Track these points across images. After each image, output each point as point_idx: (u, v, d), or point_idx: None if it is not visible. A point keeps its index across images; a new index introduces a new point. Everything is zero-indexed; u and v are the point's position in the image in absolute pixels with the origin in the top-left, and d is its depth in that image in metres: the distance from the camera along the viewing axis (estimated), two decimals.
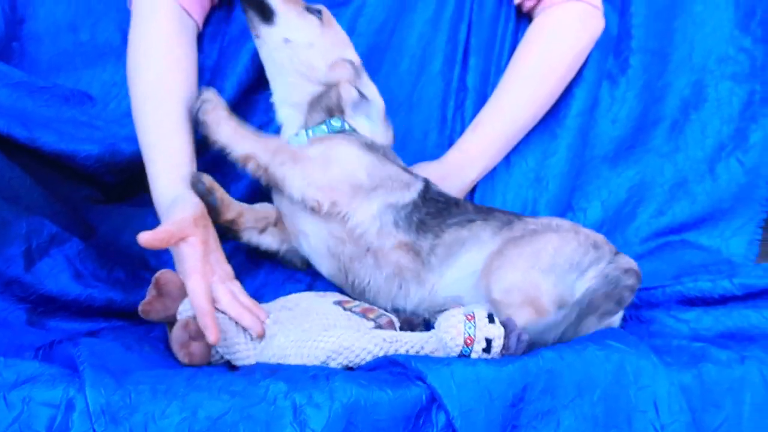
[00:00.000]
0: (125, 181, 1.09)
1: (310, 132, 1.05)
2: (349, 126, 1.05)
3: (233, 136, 0.98)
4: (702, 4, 1.26)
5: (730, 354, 0.77)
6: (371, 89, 1.07)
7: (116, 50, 1.14)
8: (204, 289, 0.86)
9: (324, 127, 1.04)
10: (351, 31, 1.22)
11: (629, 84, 1.25)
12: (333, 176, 0.99)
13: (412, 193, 1.02)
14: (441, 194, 1.06)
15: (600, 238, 1.00)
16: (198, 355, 0.87)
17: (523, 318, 0.87)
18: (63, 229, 1.00)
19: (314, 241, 1.02)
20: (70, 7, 1.15)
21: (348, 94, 1.05)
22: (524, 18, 1.28)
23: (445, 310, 0.97)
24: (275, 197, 1.06)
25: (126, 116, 1.10)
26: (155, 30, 1.04)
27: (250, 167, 0.98)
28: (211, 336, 0.83)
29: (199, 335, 0.86)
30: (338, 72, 1.05)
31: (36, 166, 1.00)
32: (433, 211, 1.02)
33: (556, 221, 1.04)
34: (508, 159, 1.24)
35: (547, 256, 0.95)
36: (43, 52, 1.13)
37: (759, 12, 1.22)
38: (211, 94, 1.00)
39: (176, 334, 0.87)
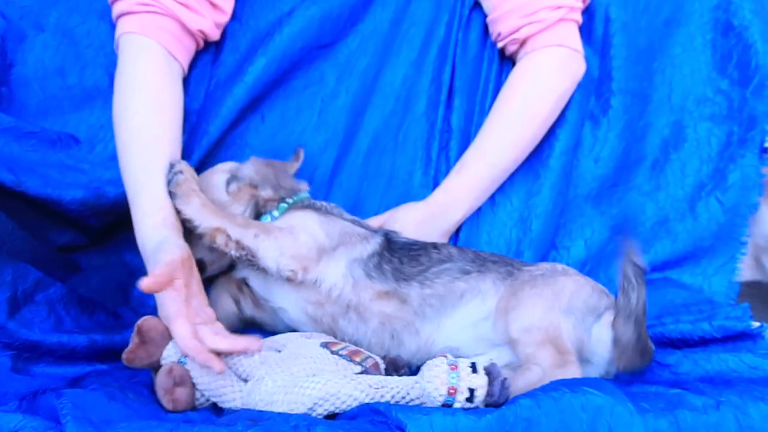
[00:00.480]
0: (109, 224, 1.10)
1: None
2: (285, 203, 1.08)
3: (202, 210, 0.99)
4: (680, 47, 1.28)
5: (705, 400, 0.78)
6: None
7: (103, 93, 1.16)
8: (189, 330, 0.87)
9: (267, 217, 1.07)
10: (336, 74, 1.25)
11: (610, 124, 1.27)
12: (302, 243, 1.00)
13: (372, 245, 1.04)
14: (413, 242, 1.07)
15: (602, 287, 1.03)
16: (182, 401, 0.87)
17: (543, 357, 0.89)
18: (46, 274, 1.00)
19: (293, 313, 1.04)
20: (58, 52, 1.16)
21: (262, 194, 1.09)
22: (507, 59, 1.30)
23: None
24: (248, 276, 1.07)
25: (112, 159, 1.11)
26: (140, 73, 1.06)
27: (219, 241, 0.98)
28: (217, 366, 0.85)
29: (182, 381, 0.87)
30: (241, 196, 1.08)
31: (21, 211, 1.01)
32: (407, 258, 1.04)
33: (560, 266, 1.06)
34: (492, 199, 1.26)
35: (566, 298, 0.96)
36: (31, 97, 1.14)
37: (735, 55, 1.24)
38: (183, 166, 1.01)
39: (160, 380, 0.87)
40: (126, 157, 1.03)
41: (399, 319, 1.01)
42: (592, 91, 1.28)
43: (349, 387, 0.82)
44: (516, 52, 1.25)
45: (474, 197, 1.21)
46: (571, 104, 1.25)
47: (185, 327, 0.87)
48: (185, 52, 1.13)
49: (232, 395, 0.88)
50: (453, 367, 0.77)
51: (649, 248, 1.27)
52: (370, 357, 0.95)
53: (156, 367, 0.90)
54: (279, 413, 0.81)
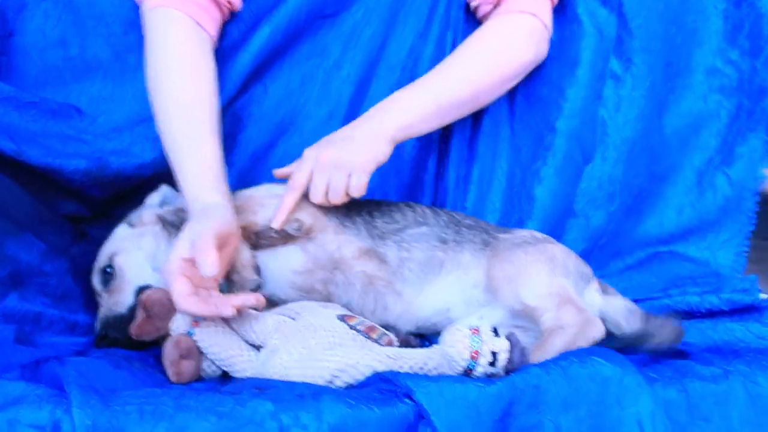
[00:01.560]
0: (110, 198, 1.10)
1: None
2: None
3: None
4: (693, 14, 1.25)
5: (713, 369, 0.78)
6: None
7: (104, 65, 1.14)
8: (189, 289, 0.85)
9: None
10: (341, 45, 1.23)
11: (635, 82, 1.22)
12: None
13: None
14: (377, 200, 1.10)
15: None
16: (187, 374, 0.86)
17: (570, 316, 0.90)
18: (54, 243, 1.00)
19: (283, 293, 1.02)
20: (59, 23, 1.14)
21: None
22: None
23: (434, 323, 0.98)
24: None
25: (114, 131, 1.10)
26: (171, 43, 1.05)
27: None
28: (229, 311, 0.84)
29: (188, 354, 0.86)
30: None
31: (25, 179, 1.00)
32: (378, 213, 1.06)
33: (538, 234, 1.08)
34: (500, 165, 1.25)
35: (561, 263, 0.99)
36: (30, 67, 1.13)
37: (747, 25, 1.22)
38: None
39: (167, 352, 0.86)
40: (165, 123, 1.03)
41: (380, 279, 1.01)
42: (611, 51, 1.23)
43: (367, 358, 0.81)
44: (488, 14, 1.22)
45: (420, 112, 1.11)
46: (581, 64, 1.21)
47: (184, 285, 0.85)
48: (213, 23, 1.11)
49: (243, 365, 0.87)
50: (474, 331, 0.76)
51: (655, 221, 1.25)
52: (385, 334, 0.93)
53: (166, 337, 0.89)
54: (285, 382, 0.80)
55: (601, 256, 1.22)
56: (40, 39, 1.14)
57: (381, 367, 0.81)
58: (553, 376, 0.72)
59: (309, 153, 1.05)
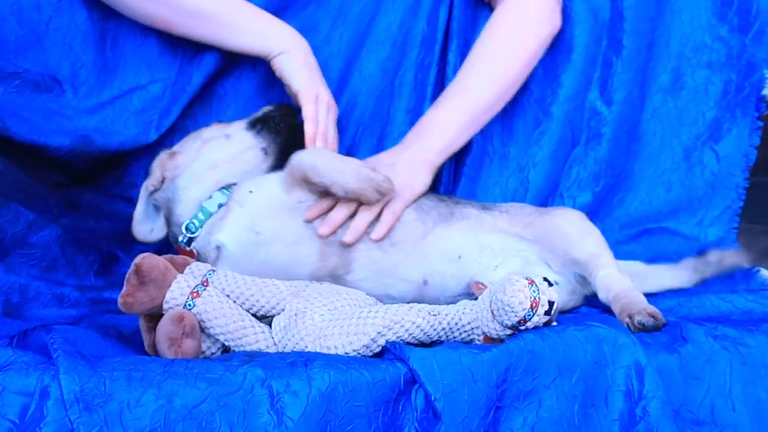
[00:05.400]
0: (95, 167, 1.08)
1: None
2: None
3: None
4: None
5: (701, 333, 0.79)
6: None
7: (83, 30, 1.12)
8: None
9: None
10: (330, 20, 1.22)
11: (624, 65, 1.23)
12: None
13: None
14: None
15: None
16: (190, 355, 0.78)
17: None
18: (40, 215, 0.98)
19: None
20: None
21: None
22: None
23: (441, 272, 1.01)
24: None
25: (96, 106, 1.09)
26: None
27: None
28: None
29: (192, 331, 0.79)
30: None
31: (12, 153, 0.99)
32: None
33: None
34: (492, 147, 1.24)
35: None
36: (9, 33, 1.09)
37: (736, 1, 1.22)
38: None
39: (167, 329, 0.78)
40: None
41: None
42: (604, 34, 1.24)
43: (411, 314, 0.79)
44: None
45: (455, 129, 1.12)
46: (577, 49, 1.22)
47: None
48: None
49: (255, 336, 0.82)
50: (530, 281, 0.76)
51: (644, 198, 1.25)
52: None
53: (156, 313, 0.81)
54: (274, 353, 0.79)
55: None
56: (15, 3, 1.10)
57: (424, 323, 0.78)
58: (549, 341, 0.72)
59: None
